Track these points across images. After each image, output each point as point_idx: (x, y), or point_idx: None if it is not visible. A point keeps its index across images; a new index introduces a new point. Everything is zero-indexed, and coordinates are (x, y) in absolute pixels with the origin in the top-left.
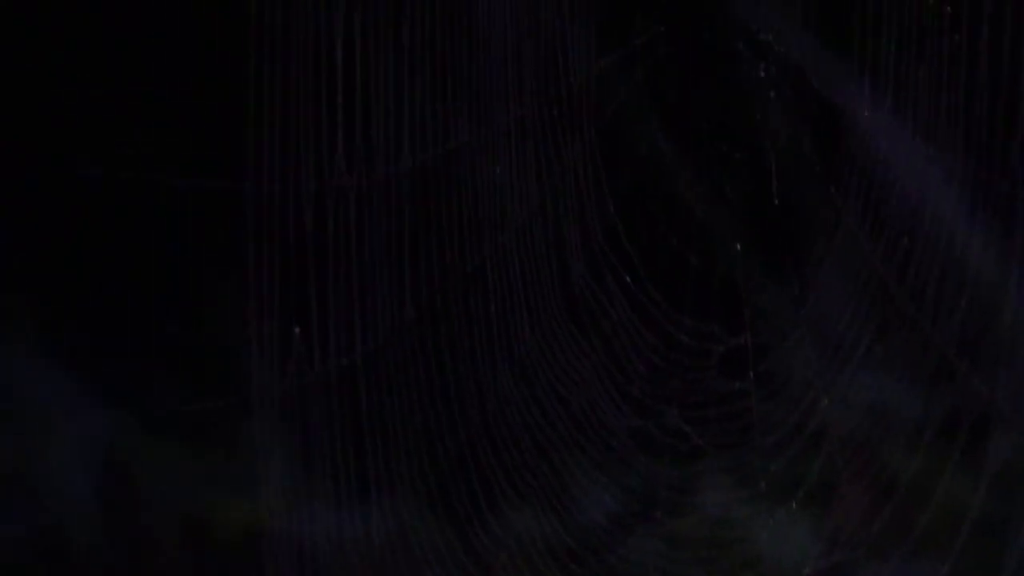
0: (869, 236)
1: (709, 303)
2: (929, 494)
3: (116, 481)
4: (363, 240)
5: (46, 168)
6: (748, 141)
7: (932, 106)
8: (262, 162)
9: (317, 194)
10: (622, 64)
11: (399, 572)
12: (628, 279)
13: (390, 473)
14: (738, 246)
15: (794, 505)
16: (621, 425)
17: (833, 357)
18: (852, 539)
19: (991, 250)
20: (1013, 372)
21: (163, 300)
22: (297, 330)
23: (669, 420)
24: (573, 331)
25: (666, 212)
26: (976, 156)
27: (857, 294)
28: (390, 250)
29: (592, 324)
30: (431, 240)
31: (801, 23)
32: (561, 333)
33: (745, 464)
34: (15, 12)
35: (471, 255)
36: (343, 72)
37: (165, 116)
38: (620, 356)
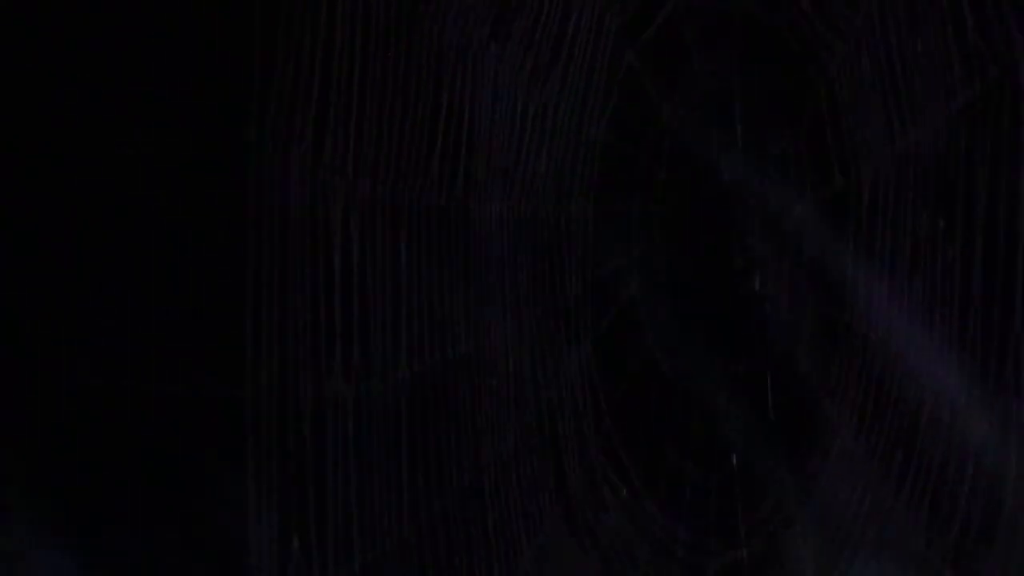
0: (864, 450)
1: (705, 515)
2: None
3: None
4: (360, 449)
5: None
6: (744, 353)
7: (928, 319)
8: (260, 369)
9: (315, 402)
10: (618, 276)
11: None
12: (624, 491)
13: None
14: (734, 459)
15: None
16: None
17: (831, 573)
18: None
19: (990, 458)
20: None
21: (166, 507)
22: (296, 540)
23: None
24: (570, 543)
25: (662, 423)
26: (971, 375)
27: (854, 509)
28: (387, 459)
29: (589, 536)
30: (429, 450)
31: (796, 236)
32: (558, 545)
33: None
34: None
35: (468, 466)
36: (341, 280)
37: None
38: (617, 569)
